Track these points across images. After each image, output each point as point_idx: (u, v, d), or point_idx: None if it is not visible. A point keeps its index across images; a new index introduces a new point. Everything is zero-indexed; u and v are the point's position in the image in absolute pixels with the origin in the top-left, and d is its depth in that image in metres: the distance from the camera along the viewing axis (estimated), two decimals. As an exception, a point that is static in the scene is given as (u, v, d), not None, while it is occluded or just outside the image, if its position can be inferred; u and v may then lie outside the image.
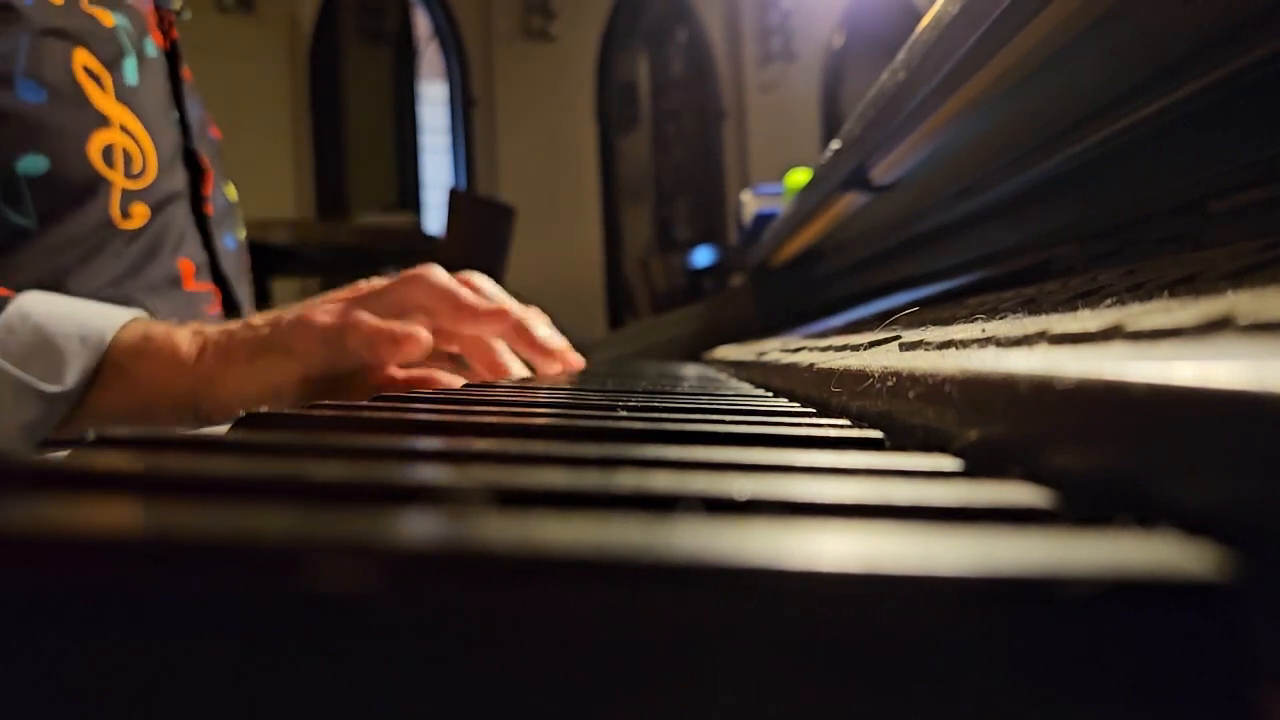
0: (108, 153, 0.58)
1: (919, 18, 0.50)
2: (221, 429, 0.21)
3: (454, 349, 0.59)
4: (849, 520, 0.13)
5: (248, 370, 0.51)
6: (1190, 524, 0.11)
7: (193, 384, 0.52)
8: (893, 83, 0.53)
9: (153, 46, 0.65)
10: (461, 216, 2.79)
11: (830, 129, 4.29)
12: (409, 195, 4.55)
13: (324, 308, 0.53)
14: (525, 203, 3.22)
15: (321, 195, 4.20)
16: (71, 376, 0.50)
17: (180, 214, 0.65)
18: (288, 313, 0.54)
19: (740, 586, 0.09)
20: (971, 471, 0.17)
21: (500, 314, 0.55)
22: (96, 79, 0.58)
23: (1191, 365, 0.11)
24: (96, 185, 0.57)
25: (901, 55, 0.52)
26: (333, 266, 2.71)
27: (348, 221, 3.72)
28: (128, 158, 0.59)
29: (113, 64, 0.59)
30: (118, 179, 0.58)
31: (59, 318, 0.51)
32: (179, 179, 0.65)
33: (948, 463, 0.17)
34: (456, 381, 0.55)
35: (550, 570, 0.09)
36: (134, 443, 0.17)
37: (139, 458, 0.16)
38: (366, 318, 0.51)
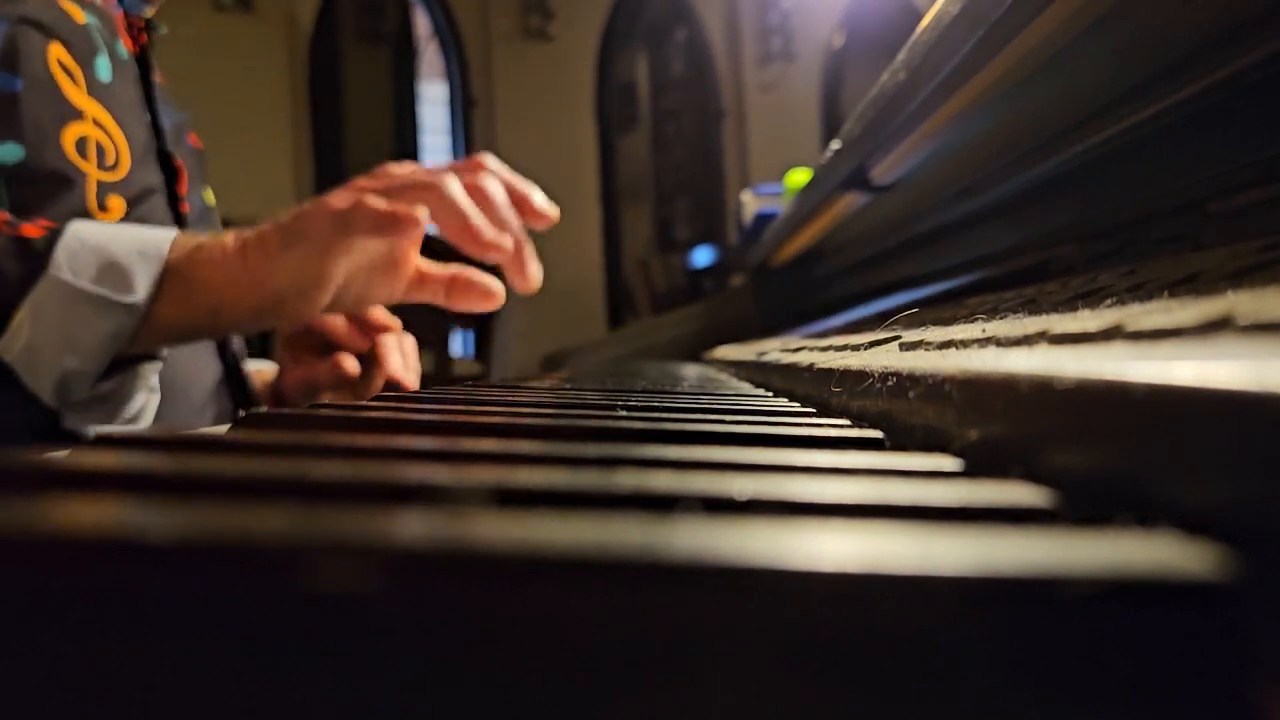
0: (81, 145, 0.58)
1: (919, 18, 0.50)
2: (222, 429, 0.21)
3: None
4: (849, 520, 0.13)
5: (283, 260, 0.54)
6: (1190, 524, 0.11)
7: (245, 282, 0.55)
8: (893, 83, 0.53)
9: (123, 49, 0.65)
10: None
11: (830, 129, 4.29)
12: (409, 195, 4.54)
13: (340, 193, 0.56)
14: (525, 203, 3.21)
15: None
16: (141, 287, 0.53)
17: (158, 210, 0.65)
18: (308, 202, 0.57)
19: (740, 586, 0.09)
20: (971, 471, 0.17)
21: (497, 248, 0.58)
22: (69, 73, 0.58)
23: (1191, 365, 0.11)
24: (71, 177, 0.57)
25: (901, 55, 0.52)
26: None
27: (347, 221, 3.71)
28: (101, 150, 0.59)
29: (85, 60, 0.59)
30: (92, 171, 0.58)
31: (112, 237, 0.53)
32: (153, 176, 0.65)
33: (948, 463, 0.17)
34: (492, 282, 0.60)
35: (550, 570, 0.09)
36: (134, 442, 0.17)
37: (138, 457, 0.16)
38: (373, 200, 0.54)
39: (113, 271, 0.52)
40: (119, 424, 0.55)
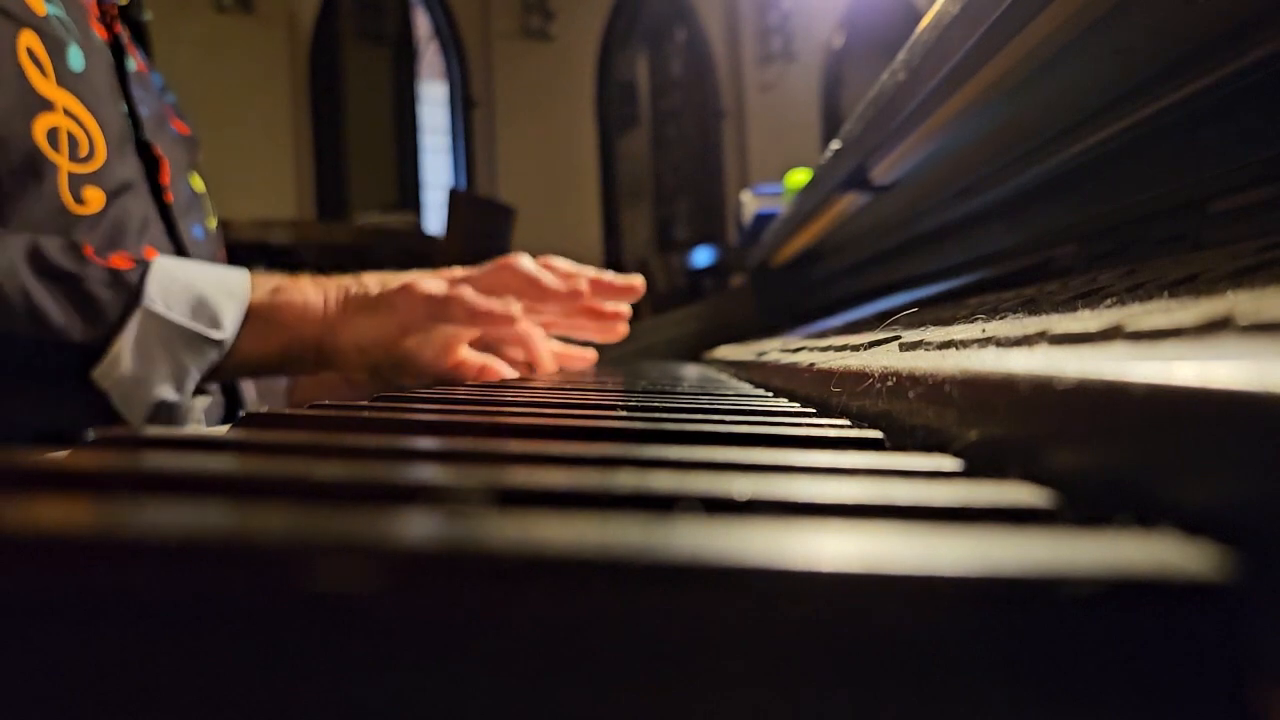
0: (52, 136, 0.57)
1: (919, 18, 0.50)
2: (222, 429, 0.21)
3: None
4: (849, 520, 0.13)
5: (362, 322, 0.60)
6: (1190, 524, 0.11)
7: (320, 331, 0.60)
8: (893, 83, 0.53)
9: (96, 37, 0.64)
10: (461, 216, 2.79)
11: (830, 129, 4.29)
12: (409, 195, 4.55)
13: (428, 280, 0.62)
14: (525, 203, 3.22)
15: (321, 195, 4.19)
16: (229, 324, 0.56)
17: (139, 202, 0.65)
18: (393, 280, 0.63)
19: (740, 586, 0.09)
20: (971, 471, 0.17)
21: (574, 295, 0.66)
22: (38, 63, 0.57)
23: (1191, 365, 0.11)
24: (42, 168, 0.56)
25: (901, 55, 0.52)
26: (333, 266, 2.71)
27: (348, 221, 3.72)
28: (73, 141, 0.58)
29: (56, 50, 0.59)
30: (63, 162, 0.58)
31: (197, 274, 0.57)
32: (132, 167, 0.65)
33: (948, 463, 0.17)
34: (510, 372, 0.65)
35: (550, 570, 0.09)
36: (134, 443, 0.17)
37: (138, 457, 0.16)
38: (470, 293, 0.60)
39: (203, 308, 0.56)
40: None
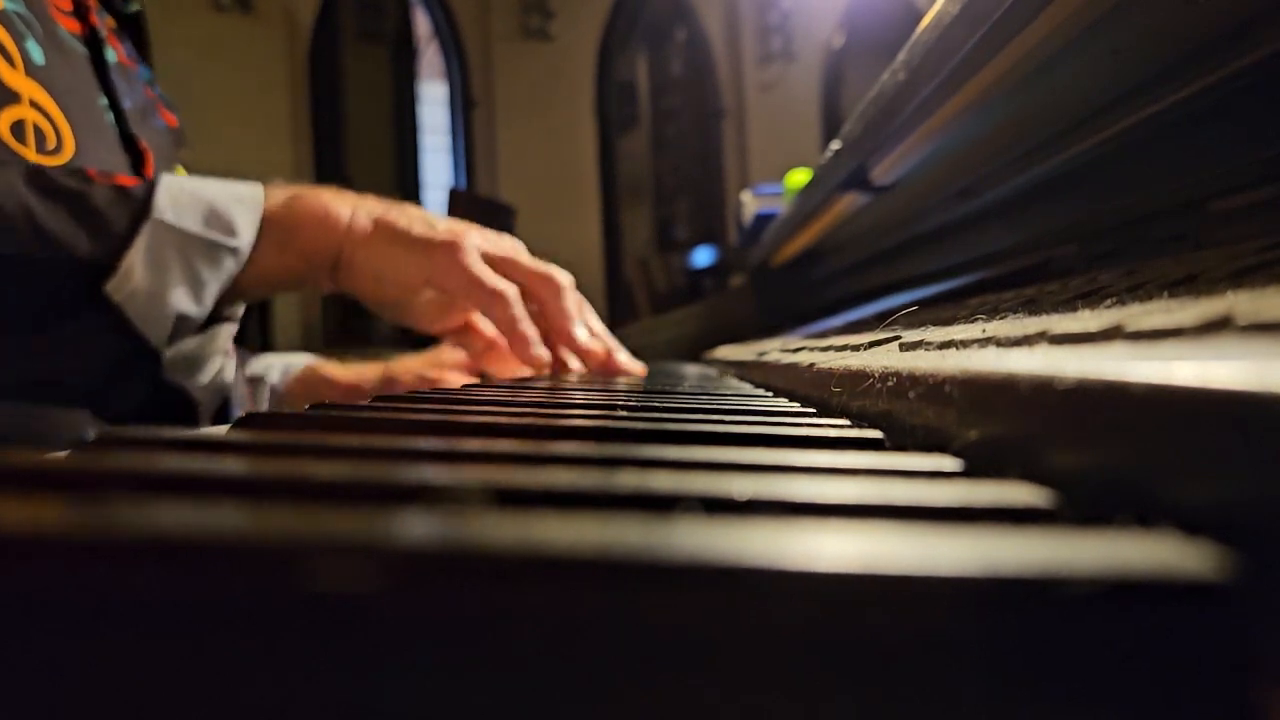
0: (17, 129, 0.56)
1: (919, 18, 0.50)
2: (222, 429, 0.21)
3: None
4: (849, 520, 0.13)
5: (390, 252, 0.57)
6: (1190, 524, 0.11)
7: (341, 242, 0.57)
8: (893, 83, 0.53)
9: (62, 31, 0.63)
10: (461, 216, 2.78)
11: (830, 129, 4.29)
12: (409, 195, 4.55)
13: (477, 245, 0.59)
14: (525, 203, 3.22)
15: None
16: (245, 231, 0.54)
17: None
18: (440, 222, 0.60)
19: (740, 586, 0.09)
20: (971, 471, 0.17)
21: (591, 354, 0.62)
22: (7, 56, 0.57)
23: (1191, 365, 0.11)
24: (8, 162, 0.55)
25: (901, 55, 0.52)
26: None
27: (348, 221, 3.71)
28: (40, 134, 0.58)
29: (19, 42, 0.58)
30: (30, 155, 0.57)
31: (206, 185, 0.55)
32: (114, 160, 0.64)
33: (948, 463, 0.17)
34: (505, 371, 0.63)
35: (550, 570, 0.09)
36: (134, 443, 0.17)
37: (139, 458, 0.16)
38: (519, 310, 0.57)
39: (216, 216, 0.53)
40: (199, 387, 0.57)
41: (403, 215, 0.59)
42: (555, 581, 0.09)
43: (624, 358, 0.65)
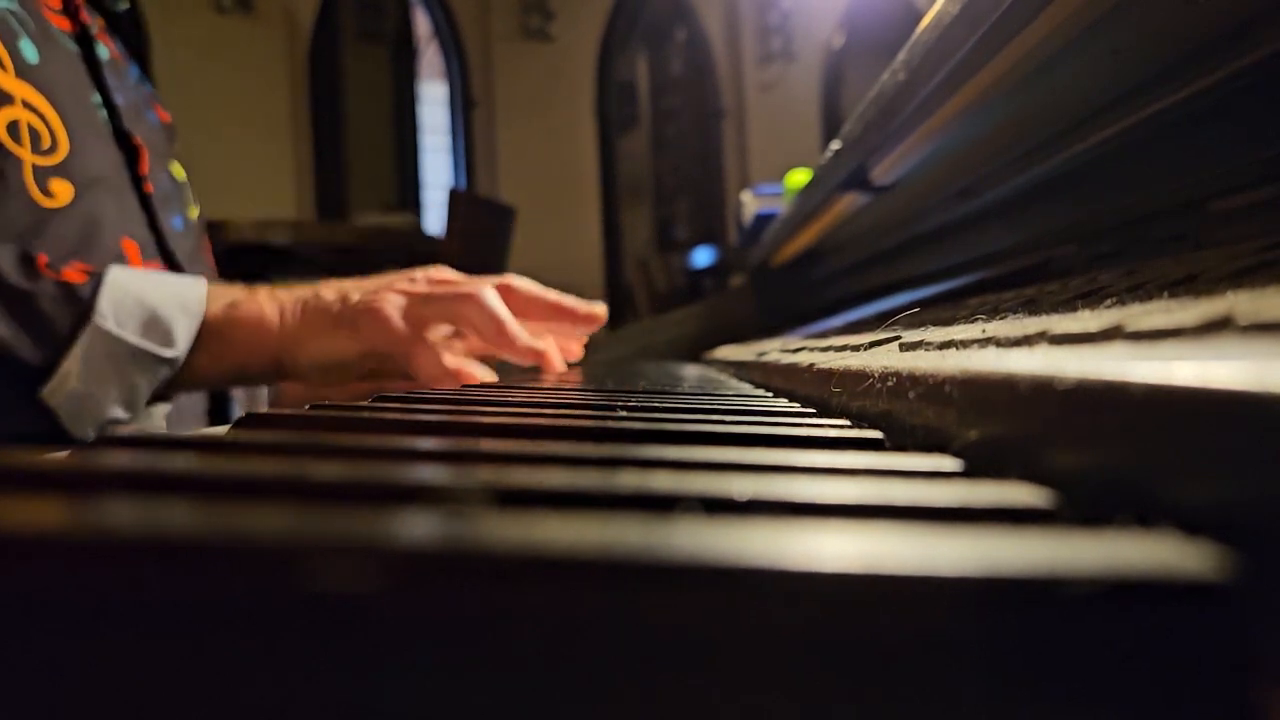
0: (12, 129, 0.57)
1: (919, 18, 0.50)
2: (221, 429, 0.21)
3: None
4: (849, 520, 0.13)
5: (321, 339, 0.58)
6: (1190, 524, 0.11)
7: (277, 346, 0.58)
8: (893, 83, 0.53)
9: (54, 29, 0.64)
10: (461, 216, 2.79)
11: (830, 129, 4.29)
12: (409, 195, 4.55)
13: (393, 301, 0.59)
14: (525, 203, 3.21)
15: (321, 195, 4.19)
16: (181, 341, 0.55)
17: (117, 193, 0.64)
18: (354, 291, 0.60)
19: (740, 587, 0.09)
20: (971, 471, 0.17)
21: (534, 354, 0.61)
22: None
23: (1191, 365, 0.11)
24: (5, 162, 0.56)
25: (901, 55, 0.52)
26: (333, 267, 2.71)
27: (348, 221, 3.72)
28: (34, 134, 0.58)
29: (10, 42, 0.58)
30: (26, 155, 0.57)
31: (152, 287, 0.56)
32: (109, 158, 0.64)
33: (948, 463, 0.17)
34: (489, 376, 0.62)
35: (551, 570, 0.09)
36: (134, 443, 0.17)
37: (139, 458, 0.16)
38: (432, 353, 0.58)
39: (155, 324, 0.55)
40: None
41: (318, 299, 0.60)
42: (555, 582, 0.09)
43: (561, 346, 0.65)
